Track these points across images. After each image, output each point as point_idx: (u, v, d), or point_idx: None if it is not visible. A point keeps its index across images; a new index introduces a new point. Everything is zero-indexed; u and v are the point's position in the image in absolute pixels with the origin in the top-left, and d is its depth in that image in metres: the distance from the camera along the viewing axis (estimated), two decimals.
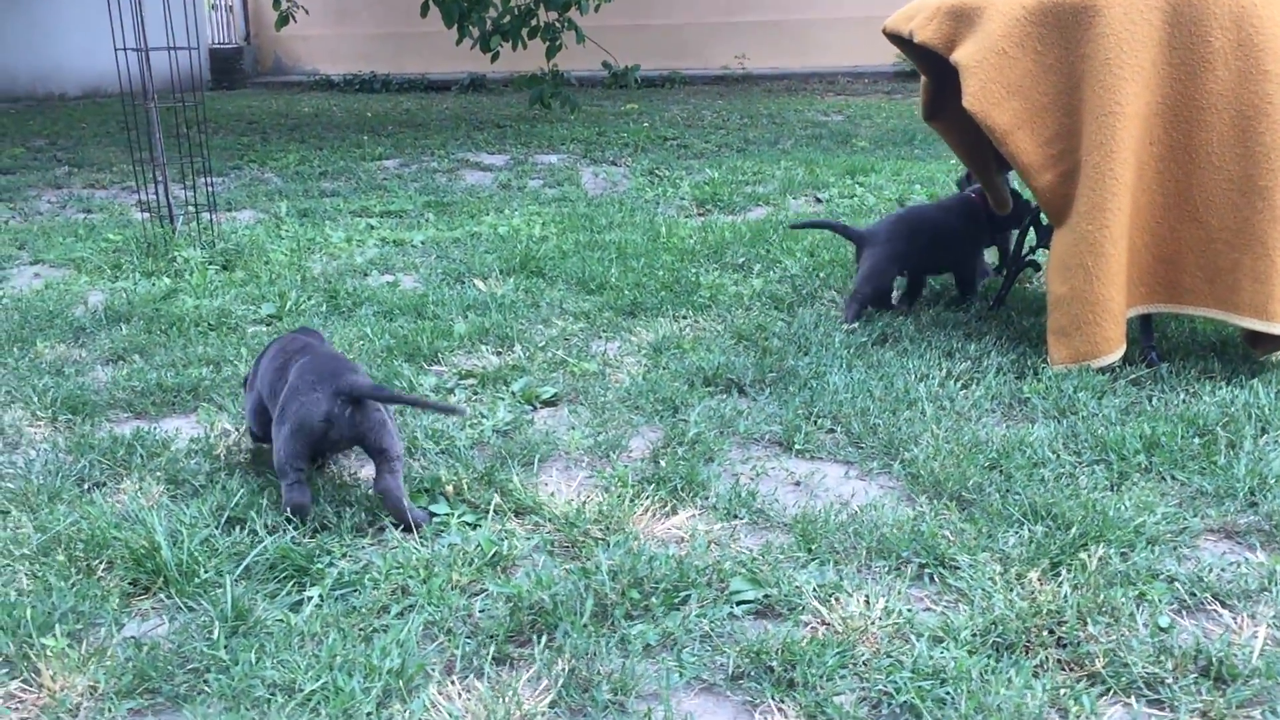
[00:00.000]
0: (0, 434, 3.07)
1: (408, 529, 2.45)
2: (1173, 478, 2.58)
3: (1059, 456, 2.66)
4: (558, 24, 11.47)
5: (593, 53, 12.24)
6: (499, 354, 3.72)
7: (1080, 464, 2.65)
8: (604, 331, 3.95)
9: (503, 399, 3.29)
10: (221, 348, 3.72)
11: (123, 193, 7.46)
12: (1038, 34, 3.16)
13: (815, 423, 2.95)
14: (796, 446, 2.83)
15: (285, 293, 4.36)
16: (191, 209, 5.20)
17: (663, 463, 2.75)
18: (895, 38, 3.65)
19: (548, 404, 3.27)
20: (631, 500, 2.55)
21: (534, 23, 11.42)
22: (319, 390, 2.50)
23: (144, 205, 5.12)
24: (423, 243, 5.53)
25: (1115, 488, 2.54)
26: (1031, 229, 3.78)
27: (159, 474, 2.76)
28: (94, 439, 2.96)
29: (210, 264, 4.91)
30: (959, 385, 3.15)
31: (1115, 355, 3.14)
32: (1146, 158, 3.09)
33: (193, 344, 3.79)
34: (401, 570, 2.26)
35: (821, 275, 4.52)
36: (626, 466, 2.72)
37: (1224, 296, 3.07)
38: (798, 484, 2.66)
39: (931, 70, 3.78)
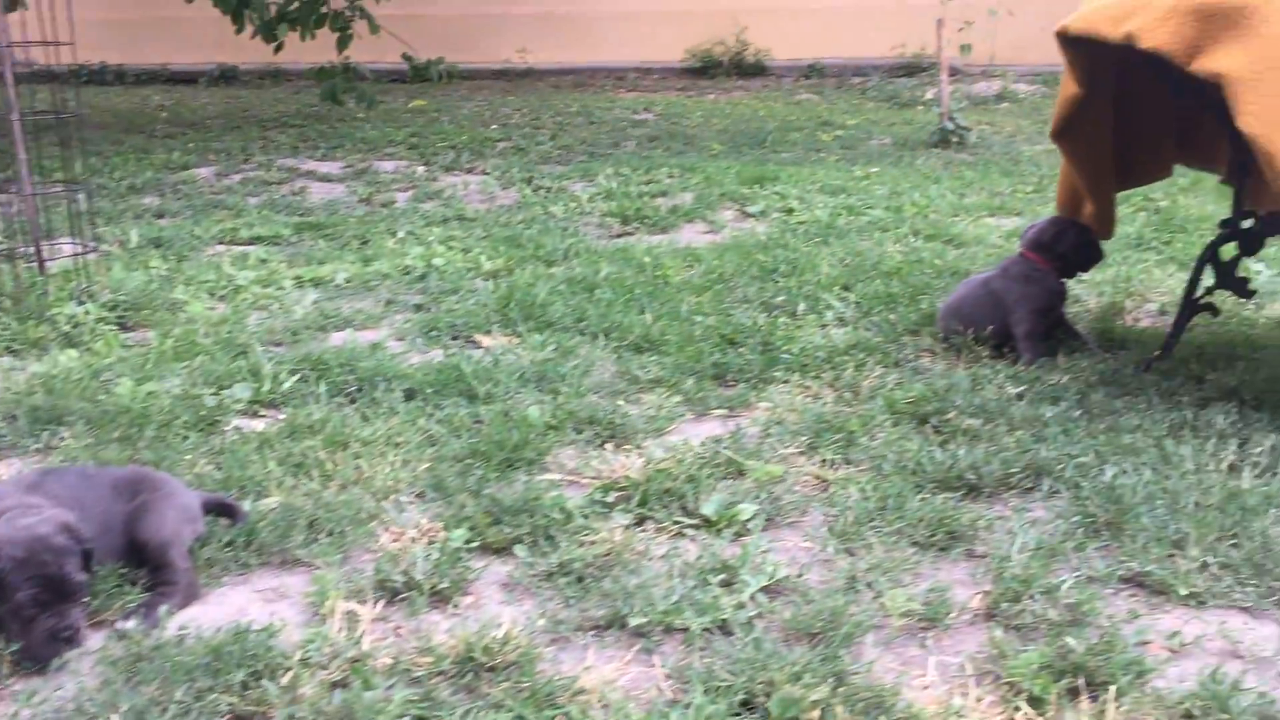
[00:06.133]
0: None
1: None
2: None
3: None
4: (348, 12, 10.24)
5: (367, 43, 10.87)
6: (617, 448, 2.83)
7: None
8: (711, 406, 3.13)
9: (693, 529, 2.43)
10: (237, 466, 2.63)
11: None
12: None
13: (1171, 551, 2.26)
14: (1180, 591, 2.14)
15: (257, 366, 3.24)
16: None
17: (1046, 639, 1.99)
18: (1077, 41, 3.02)
19: (745, 528, 2.45)
20: None
21: (323, 10, 10.13)
22: None
23: None
24: (347, 281, 4.44)
25: None
26: (1210, 267, 3.26)
27: None
28: None
29: (104, 323, 3.67)
30: (1262, 476, 2.56)
31: None
32: None
33: (186, 456, 2.68)
34: None
35: (887, 316, 3.85)
36: (1021, 655, 1.93)
37: None
38: (1235, 655, 1.97)
39: (1089, 81, 3.19)
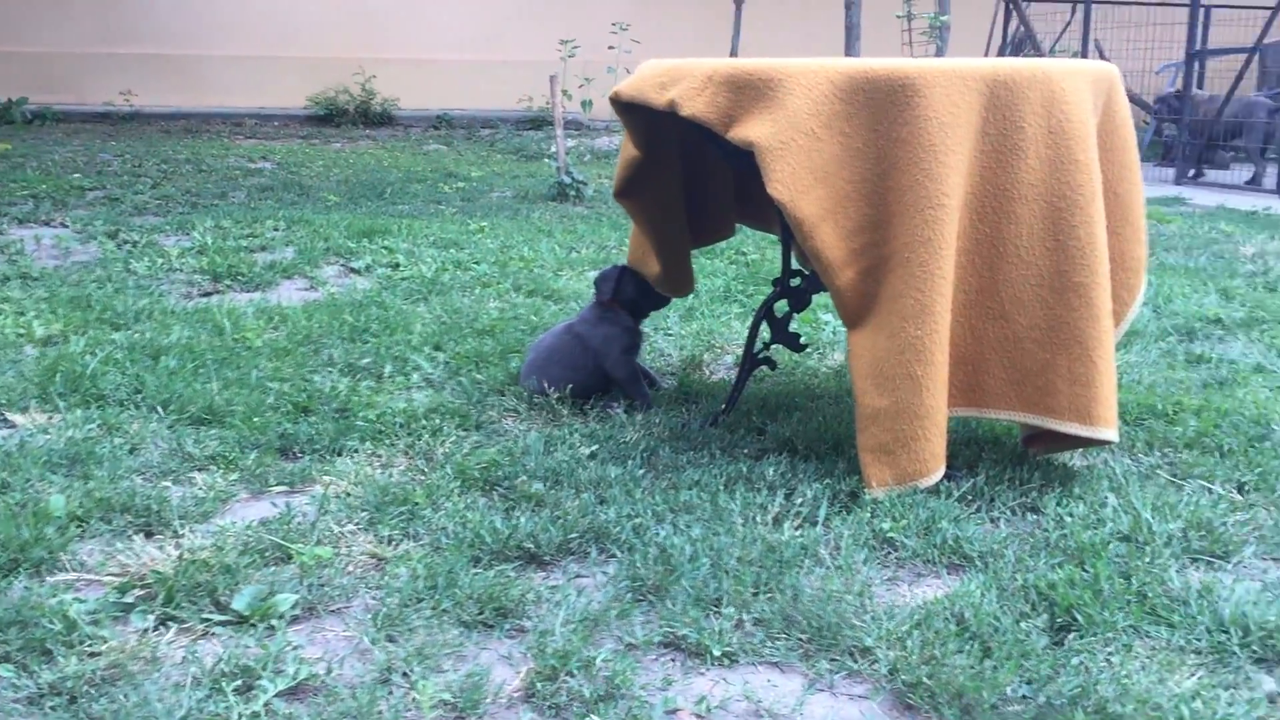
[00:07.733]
0: None
1: None
2: (1146, 629, 2.29)
3: (1023, 623, 2.26)
4: None
5: None
6: (149, 538, 2.56)
7: (1053, 627, 2.26)
8: (271, 483, 2.92)
9: (222, 626, 2.21)
10: None
11: None
12: (845, 113, 2.78)
13: (710, 610, 2.28)
14: (714, 651, 2.15)
15: None
16: None
17: (577, 718, 1.94)
18: (630, 106, 3.08)
19: (292, 620, 2.26)
20: None
21: None
22: None
23: None
24: None
25: (1129, 652, 2.17)
26: (765, 323, 3.40)
27: None
28: None
29: None
30: (802, 527, 2.66)
31: (941, 472, 2.85)
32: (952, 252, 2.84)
33: None
34: None
35: (474, 376, 3.77)
36: None
37: (1035, 399, 2.89)
38: (757, 715, 1.99)
39: (646, 144, 3.27)
